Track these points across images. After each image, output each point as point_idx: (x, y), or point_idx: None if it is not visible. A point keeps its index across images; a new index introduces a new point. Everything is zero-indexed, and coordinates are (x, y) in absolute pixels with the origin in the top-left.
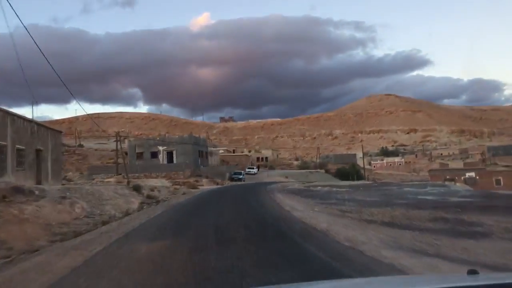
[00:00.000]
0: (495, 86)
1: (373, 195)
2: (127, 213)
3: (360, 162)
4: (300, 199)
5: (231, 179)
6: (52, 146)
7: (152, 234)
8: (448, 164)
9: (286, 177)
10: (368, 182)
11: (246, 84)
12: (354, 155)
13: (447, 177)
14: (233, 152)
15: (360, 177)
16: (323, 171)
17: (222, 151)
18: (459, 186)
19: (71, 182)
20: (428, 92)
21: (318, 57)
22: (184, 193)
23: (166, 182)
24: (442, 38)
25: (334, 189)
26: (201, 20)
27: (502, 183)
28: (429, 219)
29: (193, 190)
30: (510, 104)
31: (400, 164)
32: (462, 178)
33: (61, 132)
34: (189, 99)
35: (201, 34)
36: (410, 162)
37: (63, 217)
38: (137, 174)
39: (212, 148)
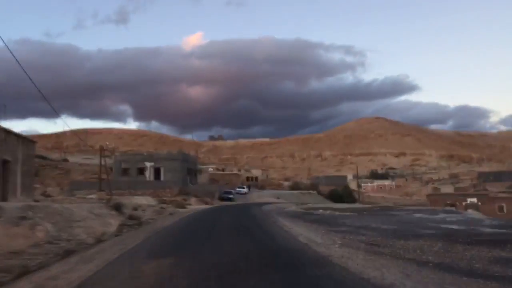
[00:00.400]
0: (481, 113)
1: (385, 222)
2: (100, 239)
3: (350, 184)
4: (307, 225)
5: (221, 199)
6: (23, 157)
7: (121, 284)
8: (439, 189)
9: (278, 198)
10: (366, 206)
11: (236, 104)
12: (345, 177)
13: (448, 202)
14: (223, 171)
15: (353, 199)
16: (315, 192)
17: (212, 169)
18: (473, 213)
19: (49, 198)
20: (415, 117)
21: (308, 80)
22: (171, 214)
23: (152, 200)
24: (430, 65)
25: (337, 213)
26: (194, 39)
27: (505, 210)
28: (489, 260)
29: (181, 210)
30: (496, 131)
31: (391, 188)
32: (463, 203)
33: (34, 142)
34: (178, 117)
35: (193, 53)
36: (400, 185)
37: (17, 244)
38: (121, 191)
39: (202, 166)
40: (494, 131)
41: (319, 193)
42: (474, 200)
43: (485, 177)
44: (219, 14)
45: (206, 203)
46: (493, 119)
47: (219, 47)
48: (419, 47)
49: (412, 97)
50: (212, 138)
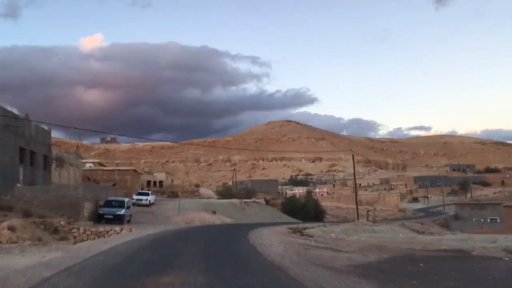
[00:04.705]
0: (372, 126)
1: None
2: None
3: (283, 190)
4: None
5: (100, 218)
6: None
7: None
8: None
9: (214, 213)
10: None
11: (136, 110)
12: (276, 181)
13: None
14: (115, 167)
15: (320, 214)
16: (262, 202)
17: (91, 165)
18: None
19: None
20: None
21: (213, 88)
22: None
23: None
24: (329, 80)
25: None
26: (93, 40)
27: None
28: None
29: None
30: (406, 137)
31: (322, 195)
32: None
33: None
34: (71, 122)
35: (92, 56)
36: (329, 193)
37: None
38: None
39: (71, 157)
40: (404, 137)
41: (268, 203)
42: None
43: (421, 182)
44: (122, 15)
45: (56, 231)
46: (382, 131)
47: (121, 50)
48: (321, 62)
49: (311, 109)
50: (104, 140)
